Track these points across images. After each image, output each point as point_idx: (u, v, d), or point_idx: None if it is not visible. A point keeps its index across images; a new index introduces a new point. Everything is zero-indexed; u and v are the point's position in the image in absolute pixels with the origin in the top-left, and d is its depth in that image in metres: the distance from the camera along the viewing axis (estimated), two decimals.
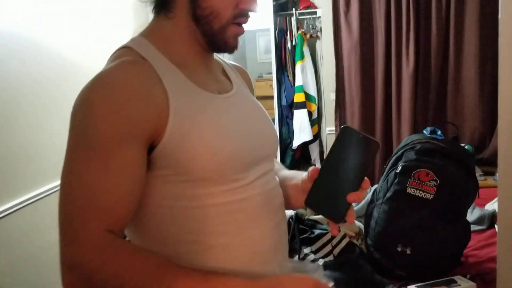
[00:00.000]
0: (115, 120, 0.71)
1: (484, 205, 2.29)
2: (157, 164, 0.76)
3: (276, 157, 0.98)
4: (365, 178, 0.72)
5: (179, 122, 0.74)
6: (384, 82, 3.20)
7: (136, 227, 0.81)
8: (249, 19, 0.85)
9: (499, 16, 1.00)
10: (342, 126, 0.73)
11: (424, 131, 1.75)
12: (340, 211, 0.73)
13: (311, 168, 0.76)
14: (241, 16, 0.82)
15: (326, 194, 0.73)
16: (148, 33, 0.84)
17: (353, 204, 0.76)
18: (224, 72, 0.95)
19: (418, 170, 1.60)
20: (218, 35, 0.82)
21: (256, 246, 0.83)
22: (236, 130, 0.81)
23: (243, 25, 0.85)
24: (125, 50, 0.80)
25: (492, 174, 2.82)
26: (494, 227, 2.10)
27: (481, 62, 3.02)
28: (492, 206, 2.27)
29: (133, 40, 0.82)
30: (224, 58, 1.02)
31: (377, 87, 3.24)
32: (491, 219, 2.13)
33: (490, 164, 2.96)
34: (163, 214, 0.79)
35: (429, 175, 1.59)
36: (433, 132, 1.72)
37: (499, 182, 1.08)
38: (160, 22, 0.84)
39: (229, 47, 0.84)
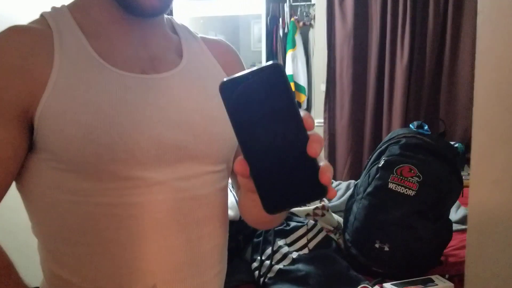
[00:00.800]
0: None
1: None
2: (37, 145, 0.67)
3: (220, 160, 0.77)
4: (302, 115, 0.48)
5: (55, 99, 0.65)
6: (377, 75, 3.13)
7: (30, 216, 0.74)
8: None
9: (477, 19, 0.96)
10: (219, 86, 0.48)
11: (411, 125, 1.68)
12: (315, 181, 0.48)
13: (235, 166, 0.51)
14: None
15: (281, 177, 0.48)
16: (73, 2, 0.77)
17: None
18: (180, 49, 0.80)
19: (401, 165, 1.54)
20: None
21: (151, 263, 0.69)
22: (139, 117, 0.67)
23: None
24: (38, 18, 0.74)
25: None
26: None
27: None
28: None
29: (52, 8, 0.75)
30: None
31: (369, 80, 3.17)
32: None
33: None
34: (48, 206, 0.70)
35: (412, 171, 1.52)
36: (419, 126, 1.65)
37: (470, 180, 1.02)
38: None
39: (144, 7, 0.70)
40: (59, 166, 0.66)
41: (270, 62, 0.47)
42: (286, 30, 3.33)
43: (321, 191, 0.48)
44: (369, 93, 3.20)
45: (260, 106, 0.46)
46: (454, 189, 1.57)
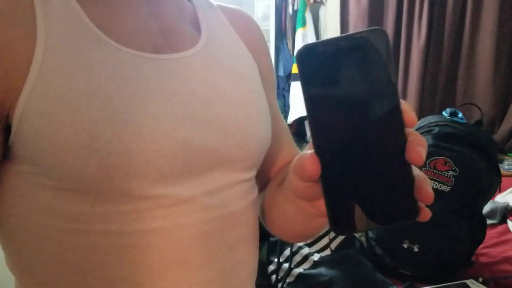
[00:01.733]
0: None
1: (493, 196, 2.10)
2: (16, 153, 0.50)
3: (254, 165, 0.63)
4: (402, 105, 0.35)
5: (44, 88, 0.47)
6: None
7: (2, 245, 0.57)
8: None
9: None
10: (297, 53, 0.36)
11: (444, 113, 1.52)
12: (406, 197, 0.36)
13: (302, 164, 0.37)
14: None
15: (362, 186, 0.36)
16: None
17: None
18: (196, 20, 0.64)
19: (435, 157, 1.38)
20: None
21: None
22: (160, 114, 0.51)
23: None
24: None
25: (500, 162, 2.62)
26: (507, 222, 1.91)
27: (498, 39, 2.77)
28: (504, 198, 2.07)
29: None
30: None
31: None
32: (504, 212, 1.94)
33: (499, 151, 2.76)
34: (31, 235, 0.52)
35: (447, 164, 1.36)
36: (453, 114, 1.49)
37: None
38: None
39: None
40: (49, 183, 0.49)
41: (374, 28, 0.34)
42: (296, 7, 3.13)
43: (412, 212, 0.37)
44: None
45: (350, 85, 0.34)
46: (493, 184, 1.42)
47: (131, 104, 0.49)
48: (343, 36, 0.34)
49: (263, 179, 0.70)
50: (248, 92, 0.61)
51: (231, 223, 0.58)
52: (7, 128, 0.49)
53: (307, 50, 0.34)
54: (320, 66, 0.34)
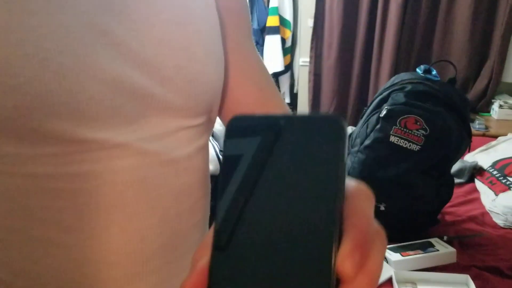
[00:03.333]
0: None
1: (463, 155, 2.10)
2: None
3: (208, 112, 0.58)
4: (341, 248, 0.23)
5: None
6: (369, 10, 2.86)
7: None
8: None
9: None
10: (228, 122, 0.27)
11: (418, 70, 1.47)
12: None
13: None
14: None
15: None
16: None
17: None
18: None
19: (406, 116, 1.34)
20: None
21: (111, 253, 0.51)
22: (86, 52, 0.46)
23: None
24: None
25: (472, 121, 2.62)
26: (474, 181, 1.92)
27: None
28: (473, 157, 2.08)
29: None
30: None
31: (360, 15, 2.90)
32: (472, 172, 1.95)
33: (471, 110, 2.76)
34: None
35: (418, 123, 1.33)
36: (427, 71, 1.44)
37: None
38: None
39: None
40: None
41: (330, 114, 0.25)
42: None
43: None
44: (359, 30, 2.94)
45: (278, 176, 0.25)
46: (463, 144, 1.40)
47: (52, 41, 0.44)
48: (286, 116, 0.26)
49: (224, 117, 0.67)
50: (192, 32, 0.54)
51: (173, 170, 0.54)
52: None
53: (239, 119, 0.27)
54: (248, 144, 0.26)
